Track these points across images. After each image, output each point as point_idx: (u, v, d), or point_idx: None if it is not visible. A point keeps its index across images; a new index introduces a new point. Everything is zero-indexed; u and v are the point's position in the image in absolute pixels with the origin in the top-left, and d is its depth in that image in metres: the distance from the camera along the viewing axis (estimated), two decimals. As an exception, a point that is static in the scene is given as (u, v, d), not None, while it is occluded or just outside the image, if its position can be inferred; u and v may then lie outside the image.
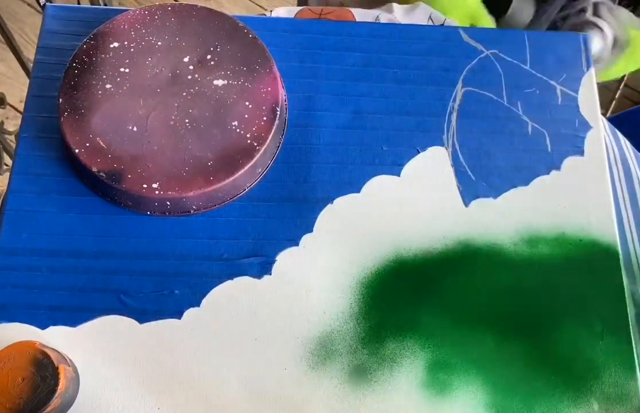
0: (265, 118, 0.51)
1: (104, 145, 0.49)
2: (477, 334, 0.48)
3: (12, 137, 1.05)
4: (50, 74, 0.53)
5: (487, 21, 0.59)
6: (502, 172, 0.54)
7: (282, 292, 0.48)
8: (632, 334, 0.49)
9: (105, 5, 0.98)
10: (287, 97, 0.55)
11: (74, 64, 0.51)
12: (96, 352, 0.45)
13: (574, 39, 0.60)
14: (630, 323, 0.50)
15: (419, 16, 0.66)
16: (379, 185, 0.52)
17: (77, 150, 0.48)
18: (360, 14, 0.62)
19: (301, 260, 0.49)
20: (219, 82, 0.52)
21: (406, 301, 0.49)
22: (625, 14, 0.55)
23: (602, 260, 0.52)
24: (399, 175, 0.53)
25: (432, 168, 0.54)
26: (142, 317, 0.47)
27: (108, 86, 0.51)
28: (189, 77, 0.52)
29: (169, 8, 0.55)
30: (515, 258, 0.51)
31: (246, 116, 0.51)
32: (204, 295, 0.48)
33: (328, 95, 0.56)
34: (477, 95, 0.57)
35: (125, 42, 0.53)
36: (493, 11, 0.56)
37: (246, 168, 0.49)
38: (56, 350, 0.43)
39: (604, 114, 0.58)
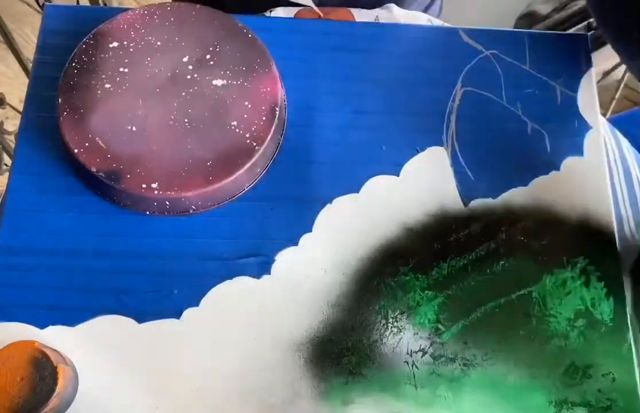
0: (264, 118, 0.51)
1: (103, 145, 0.49)
2: (477, 332, 0.48)
3: (12, 137, 1.05)
4: (50, 74, 0.53)
5: None
6: (501, 172, 0.54)
7: (281, 291, 0.48)
8: (631, 334, 0.49)
9: (105, 5, 0.98)
10: (287, 97, 0.55)
11: (73, 64, 0.51)
12: (95, 351, 0.45)
13: (573, 39, 0.60)
14: (630, 323, 0.50)
15: (418, 18, 0.66)
16: (378, 185, 0.52)
17: (76, 150, 0.48)
18: (360, 14, 0.62)
19: (300, 260, 0.49)
20: (218, 82, 0.52)
21: (406, 302, 0.49)
22: None
23: (602, 260, 0.51)
24: (398, 175, 0.53)
25: (431, 168, 0.53)
26: (141, 316, 0.47)
27: (107, 86, 0.51)
28: (188, 77, 0.52)
29: (169, 8, 0.55)
30: (515, 258, 0.51)
31: (245, 116, 0.51)
32: (203, 295, 0.48)
33: (327, 95, 0.56)
34: (476, 95, 0.57)
35: (125, 42, 0.53)
36: None
37: (245, 168, 0.49)
38: (55, 350, 0.43)
39: (603, 114, 0.58)
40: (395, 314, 0.48)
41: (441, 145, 0.54)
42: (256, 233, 0.50)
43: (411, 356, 0.47)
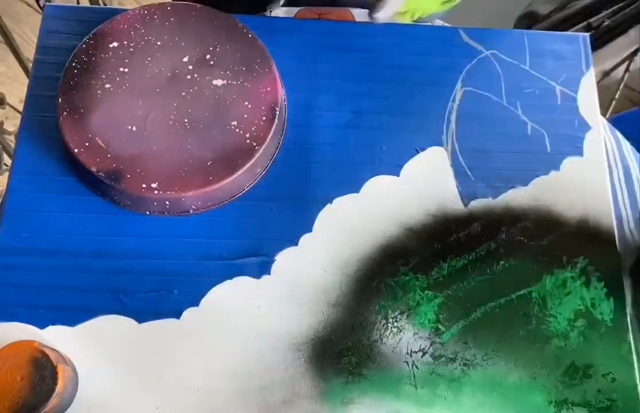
0: (264, 118, 0.51)
1: (103, 145, 0.49)
2: (477, 332, 0.48)
3: (12, 137, 1.05)
4: (50, 74, 0.53)
5: None
6: (501, 172, 0.54)
7: (281, 291, 0.48)
8: (631, 334, 0.49)
9: (105, 5, 0.98)
10: (287, 97, 0.55)
11: (73, 64, 0.51)
12: (95, 351, 0.45)
13: (573, 39, 0.60)
14: (629, 323, 0.50)
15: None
16: (378, 185, 0.52)
17: (76, 150, 0.48)
18: (360, 14, 0.62)
19: (300, 260, 0.49)
20: (218, 82, 0.52)
21: (406, 302, 0.49)
22: None
23: (602, 260, 0.51)
24: (398, 175, 0.53)
25: (431, 168, 0.53)
26: (141, 316, 0.47)
27: (107, 86, 0.51)
28: (188, 76, 0.52)
29: (169, 8, 0.55)
30: (515, 258, 0.51)
31: (245, 116, 0.51)
32: (203, 295, 0.48)
33: (328, 95, 0.56)
34: (476, 95, 0.57)
35: (125, 42, 0.53)
36: None
37: (245, 168, 0.49)
38: (55, 350, 0.43)
39: (603, 114, 0.58)
40: (395, 314, 0.48)
41: (441, 145, 0.54)
42: (256, 234, 0.50)
43: (411, 356, 0.47)
